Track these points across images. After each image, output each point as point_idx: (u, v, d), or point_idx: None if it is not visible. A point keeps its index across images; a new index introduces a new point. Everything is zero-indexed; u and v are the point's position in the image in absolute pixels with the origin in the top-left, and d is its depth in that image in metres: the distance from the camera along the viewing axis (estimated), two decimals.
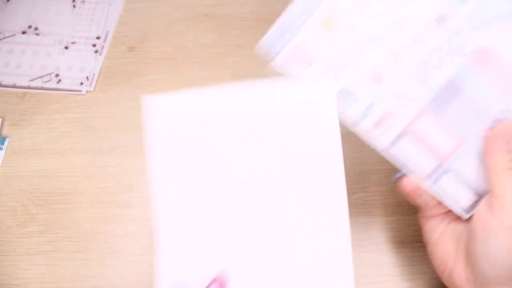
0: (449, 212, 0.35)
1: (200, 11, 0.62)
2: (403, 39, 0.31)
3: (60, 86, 0.57)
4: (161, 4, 0.63)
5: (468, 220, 0.33)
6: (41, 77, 0.57)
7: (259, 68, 0.57)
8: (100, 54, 0.59)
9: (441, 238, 0.35)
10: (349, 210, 0.47)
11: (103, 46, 0.59)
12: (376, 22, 0.31)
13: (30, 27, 0.61)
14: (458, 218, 0.34)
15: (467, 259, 0.32)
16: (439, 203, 0.34)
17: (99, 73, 0.57)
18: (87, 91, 0.56)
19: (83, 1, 0.63)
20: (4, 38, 0.60)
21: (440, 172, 0.34)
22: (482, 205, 0.32)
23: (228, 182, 0.31)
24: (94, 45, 0.59)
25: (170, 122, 0.32)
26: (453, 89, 0.31)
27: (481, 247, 0.31)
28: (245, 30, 0.60)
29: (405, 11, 0.30)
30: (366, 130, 0.33)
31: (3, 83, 0.57)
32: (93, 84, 0.57)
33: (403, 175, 0.34)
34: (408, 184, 0.34)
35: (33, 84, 0.57)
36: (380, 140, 0.33)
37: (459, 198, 0.34)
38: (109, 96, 0.56)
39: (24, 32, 0.60)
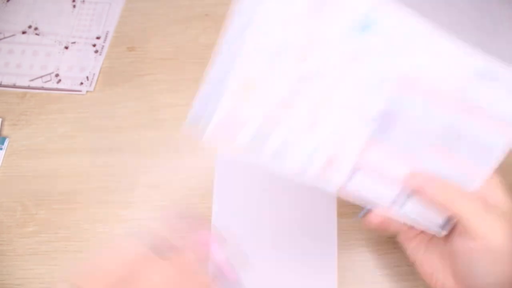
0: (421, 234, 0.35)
1: (200, 11, 0.62)
2: (326, 83, 0.30)
3: (60, 86, 0.57)
4: (161, 4, 0.63)
5: (448, 236, 0.33)
6: (41, 77, 0.57)
7: None
8: (100, 54, 0.59)
9: (425, 257, 0.35)
10: (349, 210, 0.47)
11: (103, 46, 0.59)
12: (296, 73, 0.30)
13: (30, 27, 0.61)
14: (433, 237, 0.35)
15: (454, 275, 0.33)
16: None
17: (99, 73, 0.57)
18: (87, 91, 0.56)
19: (83, 1, 0.63)
20: (4, 38, 0.60)
21: (404, 197, 0.34)
22: (458, 227, 0.32)
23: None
24: (94, 45, 0.59)
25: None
26: (389, 117, 0.31)
27: (467, 268, 0.31)
28: None
29: (316, 57, 0.30)
30: (316, 176, 0.33)
31: (3, 83, 0.57)
32: (93, 84, 0.57)
33: (367, 211, 0.34)
34: (374, 218, 0.34)
35: (33, 84, 0.57)
36: (333, 181, 0.33)
37: (430, 218, 0.33)
38: (109, 96, 0.56)
39: (24, 32, 0.60)
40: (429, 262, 0.35)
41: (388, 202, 0.34)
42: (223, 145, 0.32)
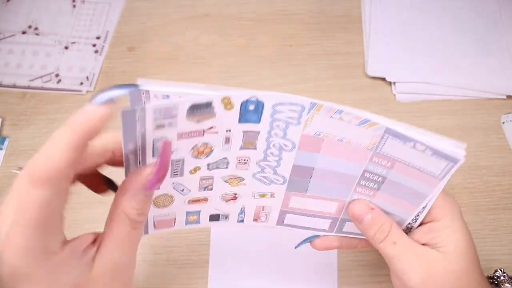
0: None
1: (200, 11, 0.62)
2: (231, 167, 0.31)
3: (60, 86, 0.57)
4: (161, 4, 0.63)
5: None
6: (41, 77, 0.57)
7: (259, 68, 0.58)
8: (100, 54, 0.59)
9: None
10: None
11: (103, 46, 0.59)
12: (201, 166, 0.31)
13: (30, 27, 0.61)
14: None
15: None
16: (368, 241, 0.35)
17: (99, 73, 0.57)
18: (87, 91, 0.56)
19: (83, 1, 0.63)
20: (4, 38, 0.60)
21: (339, 222, 0.35)
22: None
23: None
24: (94, 45, 0.59)
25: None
26: (303, 171, 0.32)
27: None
28: (245, 30, 0.60)
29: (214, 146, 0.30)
30: (250, 225, 0.37)
31: (3, 83, 0.57)
32: (93, 84, 0.57)
33: (309, 240, 0.36)
34: (318, 245, 0.36)
35: (33, 84, 0.57)
36: (268, 225, 0.37)
37: None
38: None
39: (24, 32, 0.60)
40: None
41: (326, 230, 0.36)
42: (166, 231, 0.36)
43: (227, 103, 0.26)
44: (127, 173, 0.28)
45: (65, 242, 0.24)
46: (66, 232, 0.49)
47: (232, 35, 0.60)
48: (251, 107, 0.27)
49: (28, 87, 0.56)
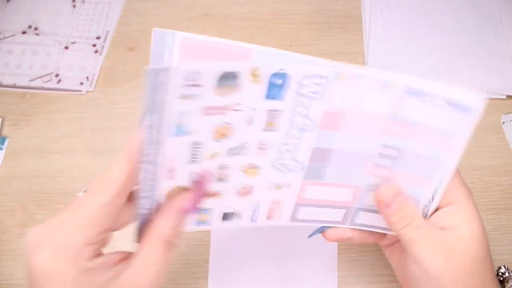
0: (397, 242, 0.36)
1: (200, 11, 0.62)
2: (250, 153, 0.29)
3: (60, 86, 0.57)
4: (161, 4, 0.63)
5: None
6: (41, 77, 0.57)
7: None
8: (100, 54, 0.59)
9: (399, 264, 0.36)
10: None
11: (103, 46, 0.59)
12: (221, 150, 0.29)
13: (30, 27, 0.61)
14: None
15: None
16: (378, 236, 0.35)
17: (99, 73, 0.57)
18: (87, 91, 0.56)
19: (83, 1, 0.63)
20: (4, 38, 0.60)
21: (353, 213, 0.35)
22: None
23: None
24: (94, 45, 0.59)
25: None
26: (322, 155, 0.31)
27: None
28: (245, 30, 0.60)
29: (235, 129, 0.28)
30: (263, 224, 0.35)
31: (3, 83, 0.57)
32: (93, 84, 0.57)
33: (322, 230, 0.36)
34: (331, 235, 0.35)
35: (33, 84, 0.57)
36: (281, 221, 0.35)
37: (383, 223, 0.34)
38: (109, 96, 0.56)
39: (24, 32, 0.60)
40: (401, 269, 0.35)
41: (339, 221, 0.35)
42: None
43: (256, 76, 0.24)
44: (145, 149, 0.26)
45: (99, 253, 0.26)
46: None
47: (232, 35, 0.60)
48: (279, 81, 0.25)
49: (28, 87, 0.56)
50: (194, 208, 0.28)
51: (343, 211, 0.35)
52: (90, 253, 0.25)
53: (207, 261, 0.45)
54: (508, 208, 0.48)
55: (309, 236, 0.36)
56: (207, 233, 0.46)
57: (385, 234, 0.36)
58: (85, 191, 0.29)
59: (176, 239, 0.28)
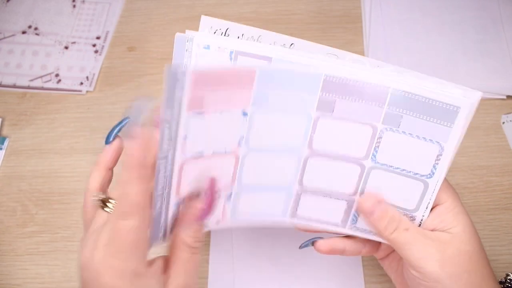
0: (393, 253, 0.36)
1: (200, 11, 0.61)
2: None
3: (60, 86, 0.57)
4: (161, 4, 0.63)
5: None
6: (41, 77, 0.57)
7: None
8: (100, 54, 0.59)
9: (397, 274, 0.36)
10: None
11: (103, 46, 0.59)
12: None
13: (30, 27, 0.61)
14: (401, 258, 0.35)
15: None
16: (371, 248, 0.35)
17: (99, 73, 0.57)
18: (87, 91, 0.56)
19: (83, 1, 0.63)
20: (4, 38, 0.60)
21: (353, 214, 0.35)
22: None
23: None
24: (94, 45, 0.59)
25: None
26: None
27: None
28: None
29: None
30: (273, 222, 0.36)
31: (3, 83, 0.57)
32: (93, 84, 0.57)
33: (313, 240, 0.36)
34: (322, 247, 0.35)
35: (33, 84, 0.57)
36: (281, 216, 0.36)
37: None
38: (109, 96, 0.56)
39: (24, 32, 0.60)
40: (401, 279, 0.35)
41: (339, 221, 0.35)
42: None
43: None
44: (161, 145, 0.27)
45: (149, 263, 0.28)
46: (66, 232, 0.49)
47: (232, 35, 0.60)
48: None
49: (28, 87, 0.56)
50: (208, 213, 0.30)
51: (342, 209, 0.34)
52: (144, 267, 0.28)
53: (207, 261, 0.45)
54: (508, 208, 0.48)
55: (300, 247, 0.36)
56: (207, 233, 0.46)
57: (378, 246, 0.36)
58: (100, 200, 0.32)
59: (198, 243, 0.30)
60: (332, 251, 0.36)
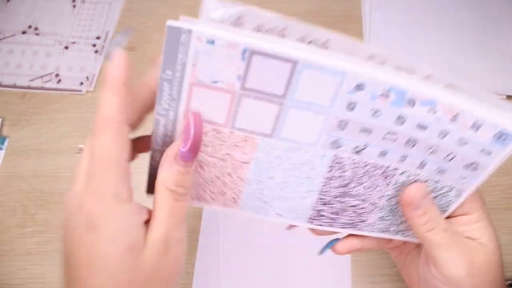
0: (403, 245, 0.36)
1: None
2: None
3: (60, 86, 0.57)
4: (161, 4, 0.63)
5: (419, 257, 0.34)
6: (41, 77, 0.57)
7: None
8: (100, 54, 0.59)
9: (405, 266, 0.36)
10: None
11: (103, 46, 0.59)
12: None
13: (30, 27, 0.61)
14: (412, 250, 0.35)
15: None
16: (385, 241, 0.35)
17: (99, 73, 0.57)
18: (87, 91, 0.56)
19: (83, 1, 0.63)
20: (4, 38, 0.60)
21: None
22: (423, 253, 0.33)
23: None
24: (94, 45, 0.59)
25: None
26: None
27: None
28: None
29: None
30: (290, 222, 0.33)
31: (3, 83, 0.57)
32: (93, 84, 0.57)
33: (333, 244, 0.35)
34: (341, 249, 0.35)
35: (33, 84, 0.57)
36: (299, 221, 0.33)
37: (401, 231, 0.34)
38: None
39: (24, 32, 0.60)
40: (408, 271, 0.36)
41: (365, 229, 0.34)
42: None
43: None
44: (159, 102, 0.25)
45: (132, 194, 0.25)
46: None
47: None
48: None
49: (28, 87, 0.56)
50: (190, 156, 0.26)
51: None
52: (126, 193, 0.25)
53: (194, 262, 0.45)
54: (508, 208, 0.48)
55: (320, 253, 0.35)
56: (195, 232, 0.46)
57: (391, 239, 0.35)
58: (80, 149, 0.29)
59: (181, 188, 0.26)
60: (350, 251, 0.35)
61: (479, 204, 0.32)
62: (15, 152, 0.52)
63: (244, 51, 0.24)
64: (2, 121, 0.54)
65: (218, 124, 0.27)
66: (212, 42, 0.24)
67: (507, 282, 0.41)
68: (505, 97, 0.54)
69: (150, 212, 0.26)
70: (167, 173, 0.26)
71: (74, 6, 0.63)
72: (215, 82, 0.25)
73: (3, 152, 0.52)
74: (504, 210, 0.48)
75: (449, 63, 0.57)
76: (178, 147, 0.26)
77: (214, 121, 0.27)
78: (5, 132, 0.54)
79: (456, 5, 0.61)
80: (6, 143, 0.53)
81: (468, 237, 0.32)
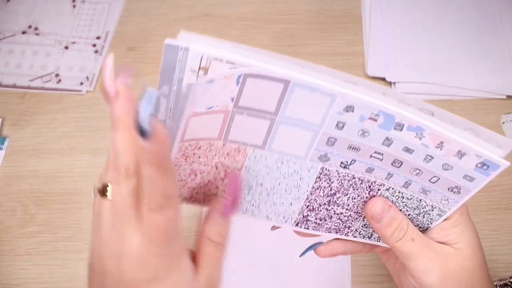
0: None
1: (200, 11, 0.62)
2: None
3: (60, 86, 0.57)
4: (161, 4, 0.63)
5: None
6: (41, 77, 0.57)
7: None
8: (100, 54, 0.59)
9: (395, 269, 0.36)
10: None
11: (103, 46, 0.59)
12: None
13: (30, 27, 0.61)
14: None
15: None
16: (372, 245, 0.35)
17: (99, 73, 0.57)
18: (87, 91, 0.56)
19: (83, 1, 0.63)
20: (4, 38, 0.60)
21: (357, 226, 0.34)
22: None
23: None
24: (94, 45, 0.59)
25: None
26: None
27: None
28: (245, 30, 0.60)
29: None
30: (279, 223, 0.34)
31: (3, 83, 0.57)
32: (93, 84, 0.57)
33: (315, 247, 0.36)
34: (323, 252, 0.35)
35: (33, 84, 0.57)
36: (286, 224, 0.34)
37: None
38: None
39: (24, 32, 0.60)
40: (398, 275, 0.36)
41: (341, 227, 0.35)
42: None
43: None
44: (156, 115, 0.26)
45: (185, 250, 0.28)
46: (66, 232, 0.49)
47: (232, 35, 0.60)
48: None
49: (28, 87, 0.56)
50: (232, 210, 0.30)
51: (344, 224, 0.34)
52: (182, 252, 0.27)
53: None
54: (508, 208, 0.48)
55: (301, 255, 0.36)
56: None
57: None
58: (103, 187, 0.29)
59: (222, 239, 0.30)
60: (333, 255, 0.36)
61: (459, 208, 0.32)
62: (15, 152, 0.52)
63: (239, 77, 0.25)
64: (2, 121, 0.54)
65: (212, 138, 0.28)
66: (211, 81, 0.25)
67: (501, 282, 0.41)
68: (505, 97, 0.54)
69: (191, 252, 0.30)
70: (212, 228, 0.30)
71: (74, 6, 0.63)
72: (210, 108, 0.26)
73: (3, 152, 0.52)
74: (504, 210, 0.48)
75: (449, 63, 0.57)
76: (221, 206, 0.29)
77: (208, 137, 0.28)
78: (5, 132, 0.54)
79: (456, 5, 0.61)
80: (6, 143, 0.53)
81: (445, 242, 0.32)
